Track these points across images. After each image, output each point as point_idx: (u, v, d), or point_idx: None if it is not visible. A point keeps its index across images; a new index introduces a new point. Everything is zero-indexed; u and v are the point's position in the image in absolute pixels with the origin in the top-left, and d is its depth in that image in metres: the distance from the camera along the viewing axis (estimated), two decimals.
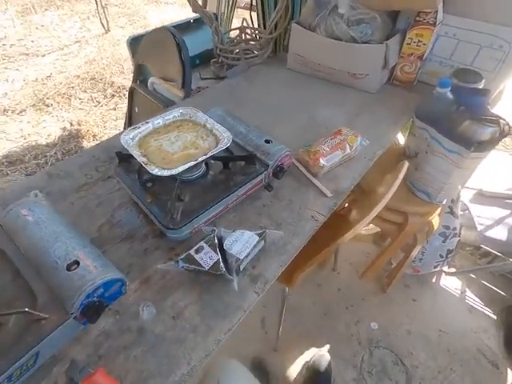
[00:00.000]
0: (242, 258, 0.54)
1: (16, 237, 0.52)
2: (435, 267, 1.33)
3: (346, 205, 1.13)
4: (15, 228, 0.52)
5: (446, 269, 1.42)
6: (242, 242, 0.56)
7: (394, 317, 1.29)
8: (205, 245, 0.56)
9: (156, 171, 0.54)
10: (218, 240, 0.57)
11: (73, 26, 3.66)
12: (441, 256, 1.29)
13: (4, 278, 0.46)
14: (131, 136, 0.62)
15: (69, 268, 0.46)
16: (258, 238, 0.57)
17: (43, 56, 3.10)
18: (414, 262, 1.33)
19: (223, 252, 0.55)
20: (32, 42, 3.33)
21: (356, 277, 1.42)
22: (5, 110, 2.39)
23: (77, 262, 0.47)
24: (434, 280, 1.42)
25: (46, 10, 3.97)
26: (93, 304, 0.45)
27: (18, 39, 3.35)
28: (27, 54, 3.11)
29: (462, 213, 1.34)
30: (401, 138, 1.28)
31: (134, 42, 1.26)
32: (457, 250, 1.33)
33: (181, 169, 0.55)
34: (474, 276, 1.42)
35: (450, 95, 0.83)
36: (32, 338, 0.41)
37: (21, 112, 2.39)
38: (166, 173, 0.54)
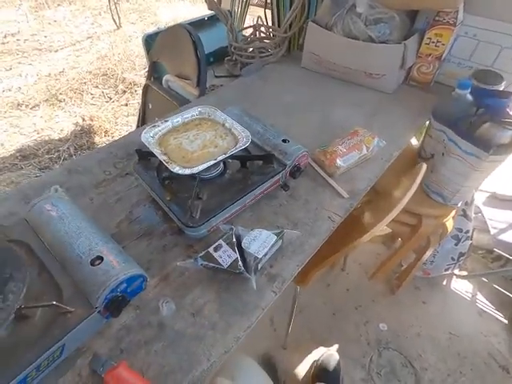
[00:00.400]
0: (260, 256, 0.54)
1: (40, 231, 0.53)
2: (446, 270, 1.32)
3: (359, 205, 1.12)
4: (39, 223, 0.53)
5: (457, 272, 1.40)
6: (260, 241, 0.56)
7: (403, 318, 1.28)
8: (223, 243, 0.56)
9: (177, 169, 0.55)
10: (236, 238, 0.57)
11: (85, 22, 3.69)
12: (452, 259, 1.28)
13: (30, 272, 0.47)
14: (151, 134, 0.63)
15: (93, 263, 0.47)
16: (275, 237, 0.57)
17: (56, 51, 3.13)
18: (425, 265, 1.32)
19: (241, 251, 0.56)
20: (45, 37, 3.37)
21: (365, 277, 1.42)
22: (18, 105, 2.43)
23: (100, 258, 0.48)
24: (444, 283, 1.41)
25: (58, 5, 4.01)
26: (116, 299, 0.46)
27: (32, 34, 3.40)
28: (40, 50, 3.15)
29: (474, 215, 1.33)
30: (412, 140, 1.26)
31: (149, 40, 1.27)
32: (469, 253, 1.32)
33: (201, 168, 0.56)
34: (485, 280, 1.41)
35: (469, 97, 0.82)
36: (59, 331, 0.42)
37: (34, 107, 2.43)
38: (186, 171, 0.55)
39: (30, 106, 2.43)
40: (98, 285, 0.45)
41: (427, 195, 1.01)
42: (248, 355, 0.71)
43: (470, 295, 1.37)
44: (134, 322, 0.50)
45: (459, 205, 1.01)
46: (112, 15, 3.47)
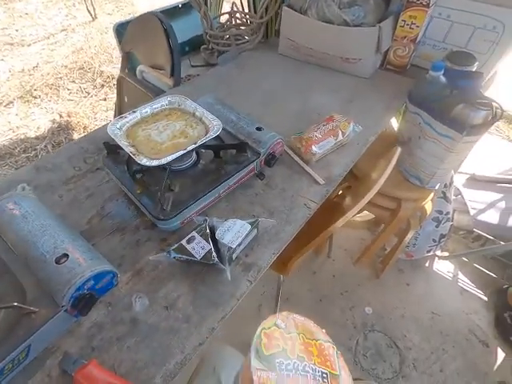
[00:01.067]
0: (234, 247, 0.54)
1: (2, 231, 0.51)
2: (428, 252, 1.35)
3: (340, 192, 1.13)
4: (1, 222, 0.51)
5: (438, 253, 1.44)
6: (234, 231, 0.56)
7: (387, 301, 1.31)
8: (196, 235, 0.55)
9: (144, 161, 0.53)
10: (210, 230, 0.56)
11: (58, 14, 3.54)
12: (434, 240, 1.30)
13: None
14: (118, 126, 0.61)
15: (58, 261, 0.46)
16: (250, 226, 0.56)
17: (29, 45, 3.00)
18: (408, 247, 1.34)
19: (215, 242, 0.55)
20: (16, 30, 3.22)
21: (350, 263, 1.44)
22: None
23: (66, 255, 0.46)
24: (427, 264, 1.44)
25: None
26: (83, 297, 0.45)
27: (2, 28, 3.24)
28: (12, 44, 3.01)
29: (454, 197, 1.35)
30: (394, 124, 1.27)
31: (121, 29, 1.22)
32: (449, 235, 1.35)
33: (169, 158, 0.54)
34: (466, 259, 1.45)
35: (443, 79, 0.82)
36: (23, 332, 0.41)
37: (8, 104, 2.33)
38: (154, 163, 0.53)
39: (4, 104, 2.33)
40: (63, 283, 0.43)
41: (405, 179, 1.02)
42: (231, 344, 0.71)
43: (452, 275, 1.41)
44: (105, 319, 0.49)
45: (437, 187, 1.02)
46: (87, 6, 3.33)
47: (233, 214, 0.64)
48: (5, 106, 2.32)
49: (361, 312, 1.28)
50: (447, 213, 1.25)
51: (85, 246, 0.50)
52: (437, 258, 1.45)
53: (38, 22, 3.39)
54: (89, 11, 3.36)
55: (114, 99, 2.38)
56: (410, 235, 1.16)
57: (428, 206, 1.08)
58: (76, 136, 2.09)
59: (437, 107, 0.82)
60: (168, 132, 0.61)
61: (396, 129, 1.19)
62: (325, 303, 1.30)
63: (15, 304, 0.40)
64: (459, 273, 1.41)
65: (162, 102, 0.67)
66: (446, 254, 1.45)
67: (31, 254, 0.47)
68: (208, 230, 0.56)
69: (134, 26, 1.15)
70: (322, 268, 1.42)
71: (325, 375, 0.37)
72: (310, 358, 0.38)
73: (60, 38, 3.13)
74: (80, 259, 0.46)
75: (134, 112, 0.64)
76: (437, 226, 1.26)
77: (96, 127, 2.17)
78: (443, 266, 1.43)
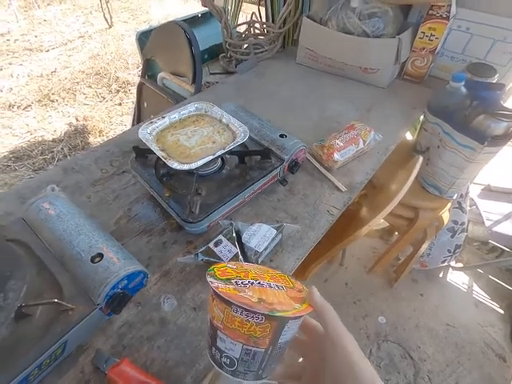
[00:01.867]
0: (260, 250, 0.55)
1: (39, 230, 0.52)
2: (443, 262, 1.34)
3: (356, 200, 1.13)
4: (38, 221, 0.53)
5: (453, 264, 1.42)
6: (260, 236, 0.57)
7: (401, 311, 1.30)
8: (223, 238, 0.56)
9: (176, 165, 0.55)
10: (236, 233, 0.57)
11: (76, 21, 3.65)
12: (449, 251, 1.29)
13: (30, 270, 0.47)
14: (149, 131, 0.62)
15: (93, 260, 0.47)
16: (275, 231, 0.57)
17: (47, 51, 3.09)
18: (422, 257, 1.33)
19: (241, 245, 0.56)
20: (35, 37, 3.32)
21: (363, 272, 1.43)
22: (10, 106, 2.39)
23: (100, 255, 0.48)
24: (441, 275, 1.43)
25: (48, 4, 3.96)
26: (117, 295, 0.46)
27: (22, 34, 3.35)
28: (31, 50, 3.11)
29: (469, 208, 1.34)
30: (407, 134, 1.27)
31: (143, 37, 1.25)
32: (464, 245, 1.34)
33: (200, 163, 0.56)
34: (481, 271, 1.43)
35: (463, 90, 0.83)
36: (60, 328, 0.42)
37: (26, 107, 2.40)
38: (185, 167, 0.55)
39: (22, 107, 2.39)
40: (99, 282, 0.44)
41: (423, 188, 1.02)
42: None
43: (467, 287, 1.39)
44: (135, 319, 0.50)
45: (454, 197, 1.02)
46: (103, 14, 3.43)
47: (256, 218, 0.65)
48: (23, 109, 2.38)
49: (374, 321, 1.27)
50: (462, 223, 1.24)
51: (117, 246, 0.51)
52: (451, 268, 1.43)
53: (56, 28, 3.49)
54: (105, 19, 3.46)
55: (129, 104, 2.44)
56: (425, 245, 1.15)
57: (445, 215, 1.08)
58: (92, 139, 2.14)
59: (457, 118, 0.82)
60: (196, 137, 0.63)
61: (412, 138, 1.20)
62: (337, 311, 1.27)
63: (55, 300, 0.42)
64: (474, 284, 1.39)
65: (189, 109, 0.69)
66: (460, 264, 1.44)
67: (67, 253, 0.48)
68: (234, 234, 0.57)
69: (157, 34, 1.18)
70: (334, 276, 1.41)
71: (280, 287, 0.35)
72: (263, 278, 0.36)
73: (77, 44, 3.22)
74: (114, 259, 0.47)
75: (163, 117, 0.66)
76: (452, 237, 1.25)
77: (111, 131, 2.21)
78: (458, 277, 1.42)
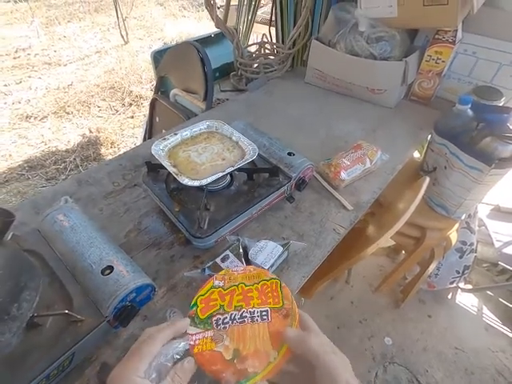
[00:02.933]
0: (267, 267, 0.55)
1: (52, 241, 0.54)
2: (451, 283, 1.31)
3: (362, 218, 1.13)
4: (52, 233, 0.55)
5: (462, 285, 1.39)
6: (266, 252, 0.57)
7: (408, 333, 1.27)
8: (230, 254, 0.57)
9: (186, 181, 0.57)
10: (243, 249, 0.58)
11: (93, 37, 3.81)
12: (457, 272, 1.27)
13: (43, 281, 0.48)
14: (161, 147, 0.65)
15: (103, 272, 0.48)
16: (282, 248, 0.58)
17: (65, 65, 3.22)
18: (430, 278, 1.31)
19: (248, 261, 0.57)
20: (55, 51, 3.48)
21: (369, 290, 1.41)
22: (27, 117, 2.48)
23: (111, 267, 0.49)
24: (449, 296, 1.40)
25: (68, 21, 4.15)
26: (125, 308, 0.47)
27: (42, 49, 3.51)
28: (50, 64, 3.25)
29: (478, 228, 1.33)
30: (414, 153, 1.28)
31: (158, 55, 1.31)
32: (473, 266, 1.31)
33: (210, 179, 0.57)
34: (491, 293, 1.39)
35: (470, 112, 0.84)
36: (69, 340, 0.43)
37: (42, 119, 2.48)
38: (195, 183, 0.57)
39: (39, 118, 2.48)
40: (109, 294, 0.46)
41: (431, 208, 1.02)
42: None
43: (476, 309, 1.35)
44: (141, 332, 0.50)
45: (462, 217, 1.01)
46: (120, 31, 3.58)
47: (263, 234, 0.66)
48: (39, 120, 2.47)
49: (380, 342, 1.24)
50: (471, 244, 1.23)
51: (126, 258, 0.52)
52: (460, 290, 1.40)
53: (74, 44, 3.65)
54: (122, 36, 3.61)
55: (141, 117, 2.50)
56: (433, 265, 1.14)
57: (453, 236, 1.07)
58: (103, 150, 2.19)
59: (464, 139, 0.83)
60: (207, 154, 0.65)
61: (419, 158, 1.20)
62: (343, 331, 1.27)
63: (66, 312, 0.43)
64: (484, 307, 1.36)
65: (200, 126, 0.71)
66: (469, 286, 1.41)
67: (79, 265, 0.50)
68: (241, 250, 0.58)
69: (171, 53, 1.24)
70: (340, 294, 1.39)
71: (264, 313, 0.37)
72: (248, 303, 0.38)
73: (94, 59, 3.36)
74: (124, 271, 0.49)
75: (175, 134, 0.68)
76: (460, 257, 1.24)
77: (123, 143, 2.27)
78: (467, 299, 1.38)
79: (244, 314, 0.37)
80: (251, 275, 0.42)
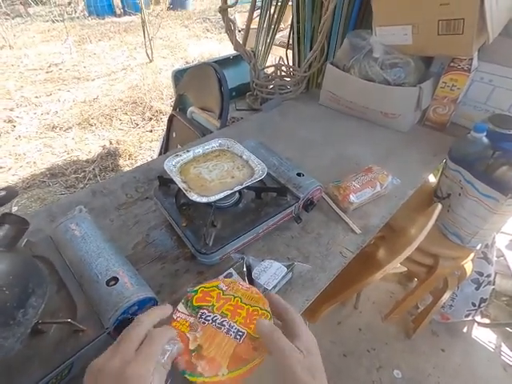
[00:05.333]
0: (269, 288, 0.55)
1: (63, 249, 0.56)
2: (467, 316, 1.25)
3: (372, 241, 1.11)
4: (63, 241, 0.57)
5: (478, 319, 1.32)
6: (270, 273, 0.57)
7: (420, 366, 1.20)
8: (234, 272, 0.57)
9: (195, 198, 0.58)
10: (247, 268, 0.58)
11: (121, 55, 4.04)
12: (473, 304, 1.21)
13: (50, 288, 0.50)
14: (174, 163, 0.67)
15: (108, 283, 0.49)
16: (286, 269, 0.58)
17: (93, 80, 3.41)
18: (444, 309, 1.25)
19: (251, 280, 0.56)
20: (84, 67, 3.70)
21: (379, 317, 1.35)
22: (53, 127, 2.62)
23: (115, 279, 0.50)
24: (465, 330, 1.32)
25: (99, 40, 4.43)
26: (126, 321, 0.47)
27: (73, 65, 3.74)
28: (79, 78, 3.45)
29: (496, 259, 1.27)
30: (430, 177, 1.26)
31: (178, 75, 1.37)
32: (491, 300, 1.25)
33: (218, 197, 0.58)
34: (510, 330, 1.31)
35: (485, 140, 0.83)
36: (70, 349, 0.43)
37: (67, 129, 2.62)
38: (203, 200, 0.58)
39: (64, 129, 2.62)
40: (112, 305, 0.46)
41: (444, 235, 0.99)
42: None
43: (494, 346, 1.27)
44: None
45: (478, 247, 0.98)
46: (146, 50, 3.78)
47: (268, 254, 0.66)
48: (64, 131, 2.60)
49: (389, 375, 1.18)
50: (488, 275, 1.17)
51: (132, 271, 0.53)
52: (476, 324, 1.33)
53: (103, 61, 3.88)
54: (147, 54, 3.81)
55: (160, 132, 2.59)
56: (446, 295, 1.09)
57: (468, 265, 1.02)
58: (121, 162, 2.27)
59: (479, 167, 0.81)
60: (217, 171, 0.67)
61: (433, 183, 1.18)
62: (349, 359, 1.22)
63: (69, 320, 0.44)
64: (502, 344, 1.28)
65: (213, 144, 0.73)
66: (486, 320, 1.33)
67: (86, 274, 0.51)
68: (245, 269, 0.57)
69: (191, 73, 1.29)
70: (347, 319, 1.35)
71: (240, 333, 0.38)
72: (233, 317, 0.40)
73: (120, 75, 3.54)
74: (128, 284, 0.49)
75: (188, 151, 0.71)
76: (476, 289, 1.18)
77: (140, 155, 2.35)
78: (484, 335, 1.31)
79: (224, 323, 0.39)
80: (251, 296, 0.43)
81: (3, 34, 3.96)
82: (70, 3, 5.60)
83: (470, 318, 1.26)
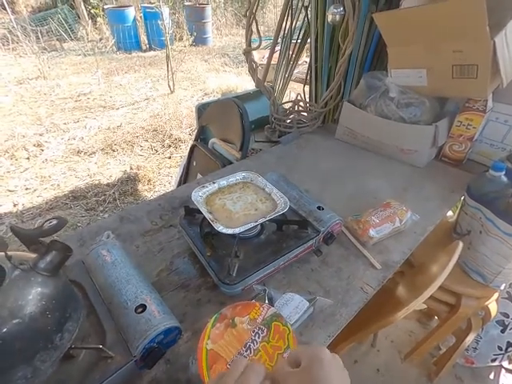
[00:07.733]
0: (291, 322, 0.55)
1: (94, 274, 0.58)
2: (493, 361, 1.17)
3: (392, 276, 1.09)
4: (95, 266, 0.59)
5: (506, 364, 1.24)
6: (292, 306, 0.57)
7: None
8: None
9: (221, 229, 0.60)
10: (269, 300, 0.59)
11: (144, 86, 4.30)
12: (499, 348, 1.14)
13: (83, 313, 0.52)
14: (200, 194, 0.70)
15: (136, 310, 0.51)
16: (308, 303, 0.58)
17: (117, 109, 3.62)
18: (468, 351, 1.19)
19: None
20: (110, 97, 3.94)
21: (398, 357, 1.29)
22: (78, 152, 2.76)
23: (144, 306, 0.51)
24: (491, 376, 1.24)
25: (125, 73, 4.75)
26: (153, 349, 0.48)
27: (100, 94, 3.99)
28: (105, 107, 3.67)
29: None
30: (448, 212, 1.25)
31: (202, 108, 1.46)
32: None
33: (242, 229, 0.61)
34: None
35: (504, 178, 0.84)
36: (99, 376, 0.44)
37: (91, 154, 2.75)
38: (229, 231, 0.60)
39: (88, 154, 2.75)
40: (140, 333, 0.47)
41: (466, 273, 0.97)
42: None
43: None
44: (163, 376, 0.51)
45: (502, 287, 0.95)
46: (168, 82, 4.02)
47: (289, 286, 0.66)
48: (88, 156, 2.73)
49: None
50: None
51: (158, 298, 0.55)
52: (504, 370, 1.24)
53: (128, 91, 4.13)
54: (169, 86, 4.04)
55: (178, 158, 2.69)
56: (470, 337, 1.04)
57: (492, 306, 0.99)
58: (140, 187, 2.35)
59: (499, 206, 0.81)
60: (241, 203, 0.69)
61: (452, 217, 1.17)
62: None
63: (100, 347, 0.45)
64: None
65: (237, 177, 0.77)
66: None
67: (115, 300, 0.53)
68: (267, 301, 0.58)
69: (214, 106, 1.38)
70: (364, 358, 1.29)
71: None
72: (266, 351, 0.45)
73: (142, 105, 3.75)
74: (155, 312, 0.51)
75: (214, 183, 0.74)
76: (502, 331, 1.12)
77: (158, 181, 2.43)
78: None
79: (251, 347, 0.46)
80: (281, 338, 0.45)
81: (39, 66, 4.30)
82: (101, 39, 6.09)
83: (496, 363, 1.19)
